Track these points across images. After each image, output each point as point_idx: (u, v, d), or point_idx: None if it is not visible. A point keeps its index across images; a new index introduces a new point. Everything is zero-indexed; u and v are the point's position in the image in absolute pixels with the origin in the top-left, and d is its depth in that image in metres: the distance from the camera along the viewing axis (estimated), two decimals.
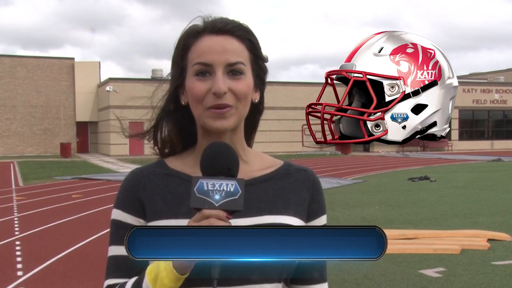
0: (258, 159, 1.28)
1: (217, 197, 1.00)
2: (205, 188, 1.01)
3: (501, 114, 45.30)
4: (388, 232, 8.32)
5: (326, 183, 15.67)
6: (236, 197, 1.01)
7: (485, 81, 48.94)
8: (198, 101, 1.15)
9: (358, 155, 35.03)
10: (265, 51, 1.25)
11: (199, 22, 1.21)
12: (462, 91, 41.38)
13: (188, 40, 1.19)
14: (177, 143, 1.26)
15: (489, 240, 7.76)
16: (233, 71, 1.15)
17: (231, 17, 1.22)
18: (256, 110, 1.27)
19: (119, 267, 1.19)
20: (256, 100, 1.24)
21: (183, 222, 1.06)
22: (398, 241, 7.68)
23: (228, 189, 1.01)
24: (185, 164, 1.24)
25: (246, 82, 1.17)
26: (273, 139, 37.88)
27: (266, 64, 1.26)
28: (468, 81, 46.14)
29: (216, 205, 1.00)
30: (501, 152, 37.16)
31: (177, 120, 1.24)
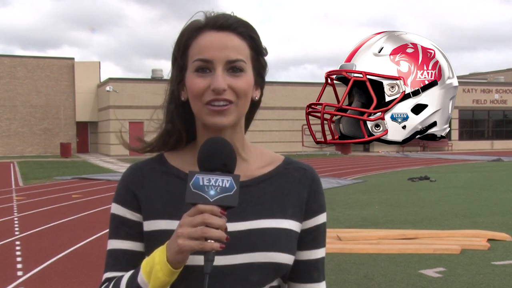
0: (258, 156, 1.26)
1: (212, 192, 1.01)
2: (201, 183, 1.01)
3: (501, 114, 45.29)
4: (388, 232, 8.35)
5: (326, 183, 15.66)
6: (231, 193, 1.01)
7: (485, 81, 48.93)
8: (197, 97, 1.14)
9: (358, 155, 35.02)
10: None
11: (200, 17, 1.19)
12: (462, 91, 41.38)
13: (189, 36, 1.17)
14: (178, 139, 1.25)
15: (489, 240, 7.75)
16: (233, 68, 1.14)
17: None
18: (254, 105, 1.26)
19: (117, 261, 1.20)
20: (256, 98, 1.23)
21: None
22: (398, 241, 7.68)
23: (224, 185, 1.01)
24: (185, 161, 1.24)
25: (246, 79, 1.15)
26: (273, 139, 37.88)
27: (266, 57, 1.24)
28: (468, 81, 46.13)
29: (211, 200, 1.01)
30: (501, 152, 37.15)
31: (178, 116, 1.23)
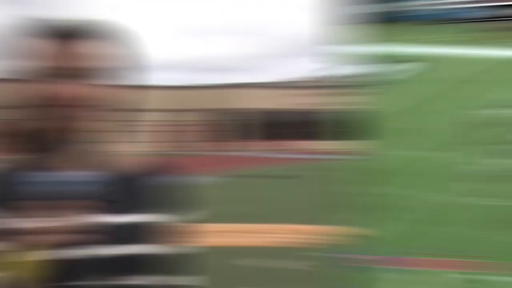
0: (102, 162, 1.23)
1: (63, 189, 1.00)
2: (52, 181, 1.01)
3: None
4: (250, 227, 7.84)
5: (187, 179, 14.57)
6: (89, 189, 1.01)
7: None
8: (44, 104, 1.13)
9: None
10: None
11: (43, 23, 1.16)
12: None
13: (33, 41, 1.15)
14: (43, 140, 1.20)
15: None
16: (78, 75, 1.13)
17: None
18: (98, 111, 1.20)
19: None
20: (101, 101, 1.17)
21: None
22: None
23: (82, 182, 1.02)
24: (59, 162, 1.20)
25: (94, 86, 1.14)
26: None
27: (127, 61, 1.21)
28: None
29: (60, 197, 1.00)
30: None
31: (35, 118, 1.18)
